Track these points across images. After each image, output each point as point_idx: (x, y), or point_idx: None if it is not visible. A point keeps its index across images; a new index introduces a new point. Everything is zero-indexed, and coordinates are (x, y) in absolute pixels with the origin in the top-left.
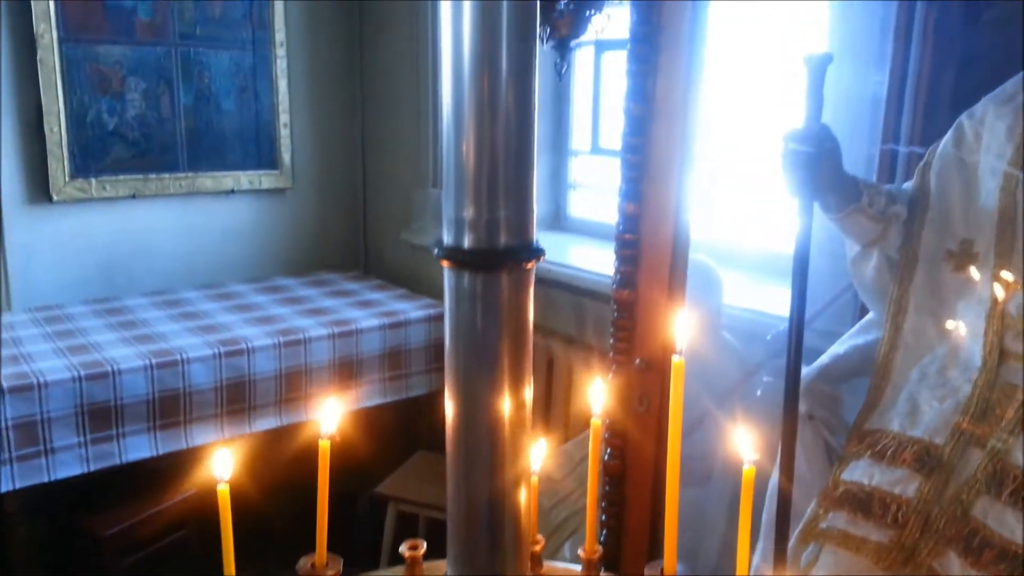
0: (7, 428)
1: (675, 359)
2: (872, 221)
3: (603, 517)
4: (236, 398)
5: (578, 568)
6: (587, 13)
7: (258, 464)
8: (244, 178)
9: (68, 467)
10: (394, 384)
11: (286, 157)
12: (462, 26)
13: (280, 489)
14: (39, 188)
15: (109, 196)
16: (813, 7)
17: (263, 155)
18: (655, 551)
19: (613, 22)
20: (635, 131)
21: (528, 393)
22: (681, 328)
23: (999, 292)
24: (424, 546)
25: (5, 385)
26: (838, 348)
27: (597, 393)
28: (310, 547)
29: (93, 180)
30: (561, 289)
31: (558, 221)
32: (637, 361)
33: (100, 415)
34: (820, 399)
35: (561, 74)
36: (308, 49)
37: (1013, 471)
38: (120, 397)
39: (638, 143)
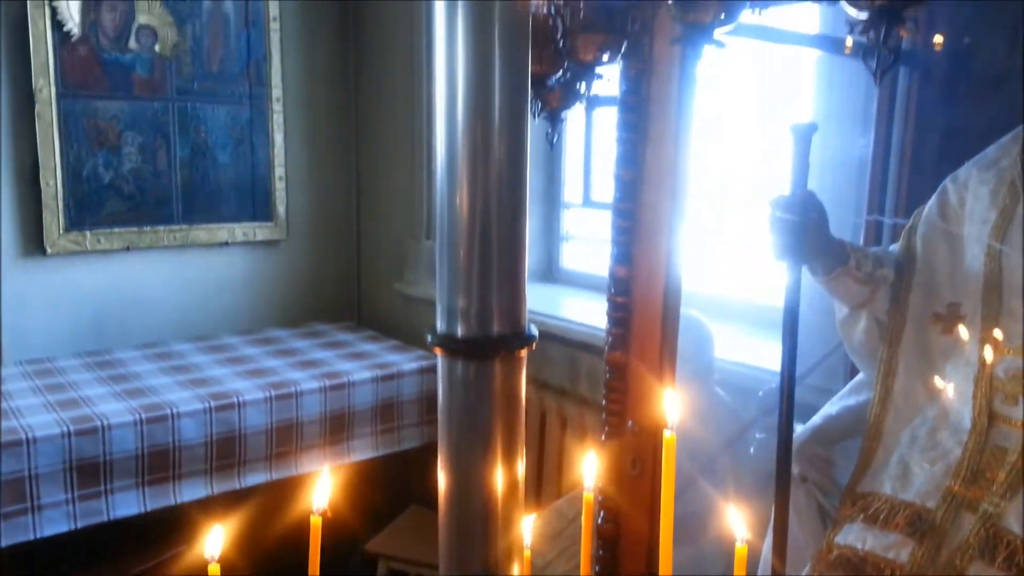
0: None
1: (667, 434)
2: (859, 284)
3: None
4: (226, 453)
5: None
6: (578, 87)
7: (247, 529)
8: (239, 230)
9: (55, 524)
10: (386, 437)
11: (281, 209)
12: (456, 96)
13: (269, 555)
14: (33, 241)
15: (103, 249)
16: (800, 70)
17: (258, 207)
18: None
19: (604, 80)
20: (626, 196)
21: (520, 469)
22: (672, 403)
23: (988, 355)
24: None
25: None
26: (830, 409)
27: (589, 466)
28: None
29: (88, 233)
30: (553, 341)
31: (551, 273)
32: (630, 423)
33: (88, 471)
34: (813, 461)
35: (552, 144)
36: (304, 103)
37: (1006, 536)
38: (109, 452)
39: (629, 208)
